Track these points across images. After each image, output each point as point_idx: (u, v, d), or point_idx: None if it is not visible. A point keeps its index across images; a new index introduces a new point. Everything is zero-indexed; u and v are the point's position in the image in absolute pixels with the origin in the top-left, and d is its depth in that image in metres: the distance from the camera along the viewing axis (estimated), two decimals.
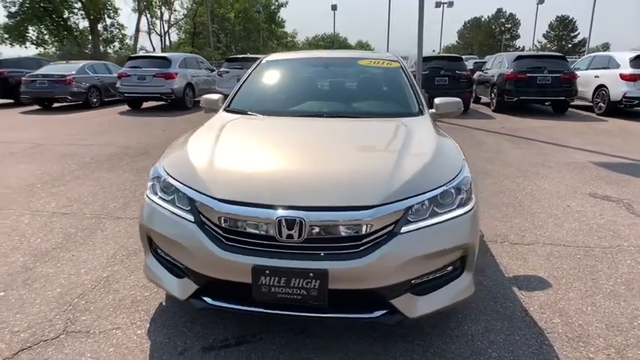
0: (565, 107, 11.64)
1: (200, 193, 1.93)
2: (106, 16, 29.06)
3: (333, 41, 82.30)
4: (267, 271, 1.77)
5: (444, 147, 2.35)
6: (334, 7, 51.17)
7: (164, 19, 42.98)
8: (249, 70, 3.55)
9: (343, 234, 1.79)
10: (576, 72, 11.76)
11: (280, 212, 1.78)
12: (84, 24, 28.78)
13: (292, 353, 2.00)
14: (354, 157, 2.22)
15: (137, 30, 33.72)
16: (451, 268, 1.98)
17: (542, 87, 11.31)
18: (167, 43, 44.38)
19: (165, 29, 43.60)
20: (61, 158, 6.06)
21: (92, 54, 25.57)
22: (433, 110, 3.15)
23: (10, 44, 25.34)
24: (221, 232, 1.85)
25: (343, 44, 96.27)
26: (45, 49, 27.08)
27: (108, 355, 1.98)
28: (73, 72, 12.23)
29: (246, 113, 3.01)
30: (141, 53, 18.52)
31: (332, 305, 1.80)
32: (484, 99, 13.67)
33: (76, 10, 27.57)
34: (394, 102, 3.17)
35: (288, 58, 3.82)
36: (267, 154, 2.28)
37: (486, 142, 7.66)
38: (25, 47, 25.75)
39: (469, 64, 22.57)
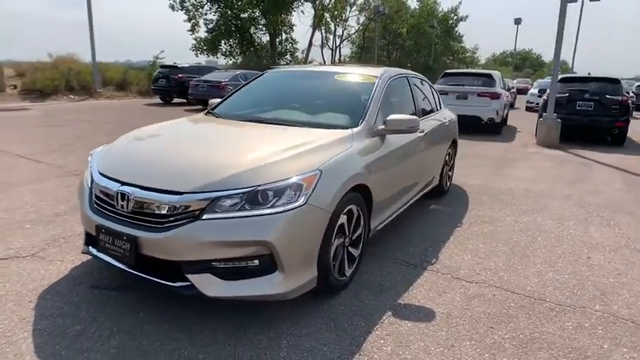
0: None
1: (96, 167, 2.58)
2: (282, 31, 33.27)
3: (523, 58, 75.49)
4: (103, 230, 2.30)
5: (308, 157, 2.47)
6: (518, 21, 47.36)
7: (337, 34, 46.50)
8: (250, 80, 4.10)
9: (155, 210, 2.19)
10: None
11: (120, 186, 2.29)
12: (266, 38, 33.58)
13: (135, 304, 2.47)
14: (210, 156, 2.52)
15: (310, 44, 37.40)
16: (258, 262, 2.16)
17: None
18: (337, 57, 47.84)
19: (337, 43, 47.07)
20: None
21: (268, 65, 29.55)
22: (383, 126, 3.15)
23: (207, 55, 31.61)
24: (94, 197, 2.46)
25: (535, 61, 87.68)
26: (232, 59, 32.63)
27: (38, 274, 2.79)
28: (227, 79, 14.68)
29: (215, 115, 3.56)
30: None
31: (143, 267, 2.22)
32: None
33: (260, 27, 32.43)
34: (338, 114, 3.28)
35: (283, 70, 4.25)
36: (157, 143, 2.83)
37: (593, 178, 6.53)
38: (217, 58, 31.59)
39: None
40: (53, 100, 15.35)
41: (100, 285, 2.68)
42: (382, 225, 3.30)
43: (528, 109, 19.78)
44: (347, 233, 2.69)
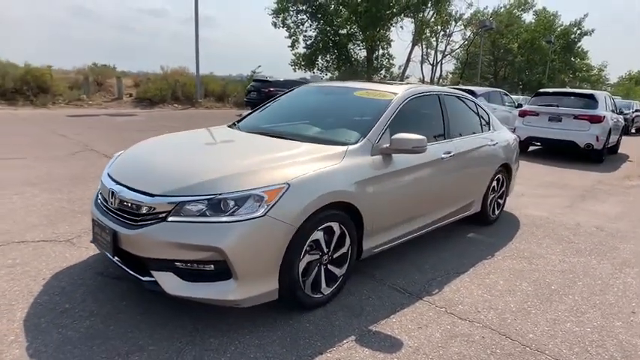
0: None
1: (107, 168, 2.92)
2: (380, 47, 33.43)
3: None
4: (96, 223, 2.59)
5: (284, 169, 2.51)
6: None
7: (439, 49, 45.19)
8: (281, 94, 4.27)
9: (133, 209, 2.42)
10: None
11: (113, 185, 2.57)
12: (363, 54, 34.02)
13: (124, 293, 2.73)
14: (191, 163, 2.70)
15: (408, 60, 36.90)
16: (213, 266, 2.26)
17: None
18: (438, 73, 46.47)
19: (438, 59, 45.69)
20: None
21: (365, 80, 29.91)
22: (387, 145, 3.06)
23: (304, 70, 33.15)
24: (99, 195, 2.79)
25: None
26: (327, 74, 33.69)
27: (62, 256, 3.21)
28: None
29: (234, 127, 3.77)
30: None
31: (123, 259, 2.45)
32: None
33: (358, 42, 33.02)
34: (344, 130, 3.25)
35: (312, 86, 4.36)
36: (158, 150, 3.11)
37: None
38: (313, 73, 32.84)
39: None
40: (160, 108, 17.38)
41: (104, 272, 3.00)
42: (383, 248, 3.17)
43: None
44: (325, 250, 2.65)
